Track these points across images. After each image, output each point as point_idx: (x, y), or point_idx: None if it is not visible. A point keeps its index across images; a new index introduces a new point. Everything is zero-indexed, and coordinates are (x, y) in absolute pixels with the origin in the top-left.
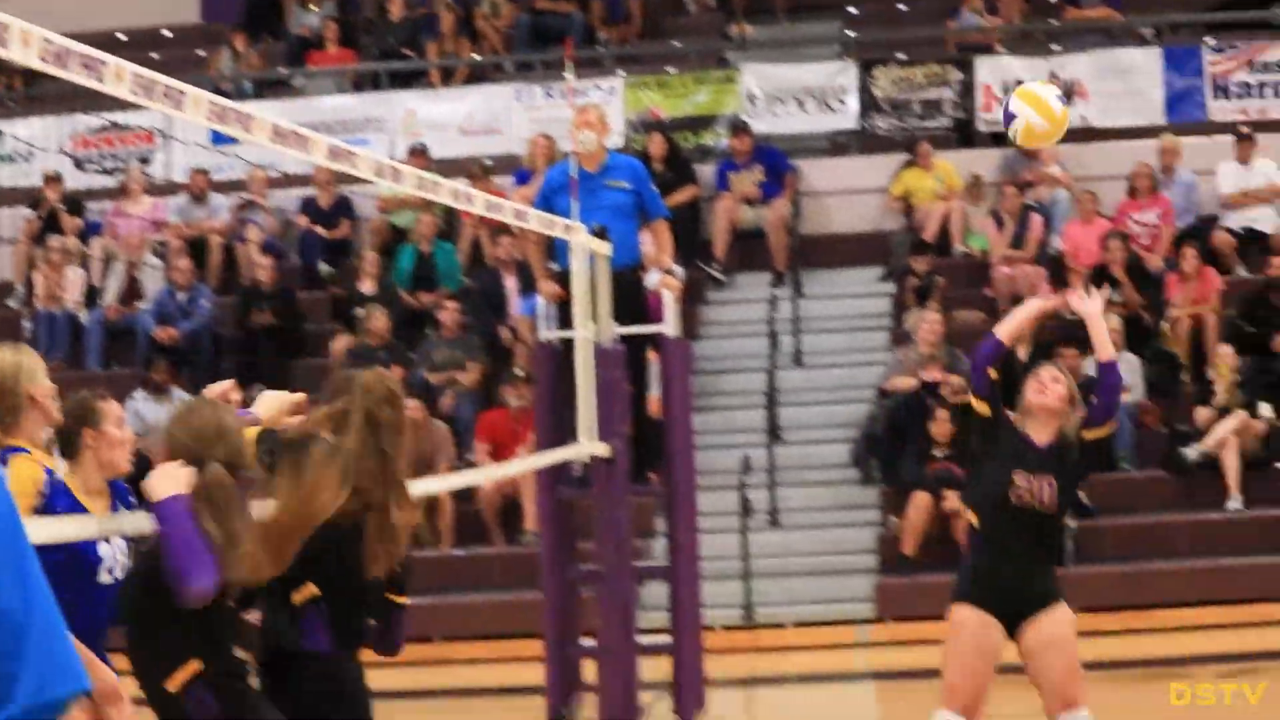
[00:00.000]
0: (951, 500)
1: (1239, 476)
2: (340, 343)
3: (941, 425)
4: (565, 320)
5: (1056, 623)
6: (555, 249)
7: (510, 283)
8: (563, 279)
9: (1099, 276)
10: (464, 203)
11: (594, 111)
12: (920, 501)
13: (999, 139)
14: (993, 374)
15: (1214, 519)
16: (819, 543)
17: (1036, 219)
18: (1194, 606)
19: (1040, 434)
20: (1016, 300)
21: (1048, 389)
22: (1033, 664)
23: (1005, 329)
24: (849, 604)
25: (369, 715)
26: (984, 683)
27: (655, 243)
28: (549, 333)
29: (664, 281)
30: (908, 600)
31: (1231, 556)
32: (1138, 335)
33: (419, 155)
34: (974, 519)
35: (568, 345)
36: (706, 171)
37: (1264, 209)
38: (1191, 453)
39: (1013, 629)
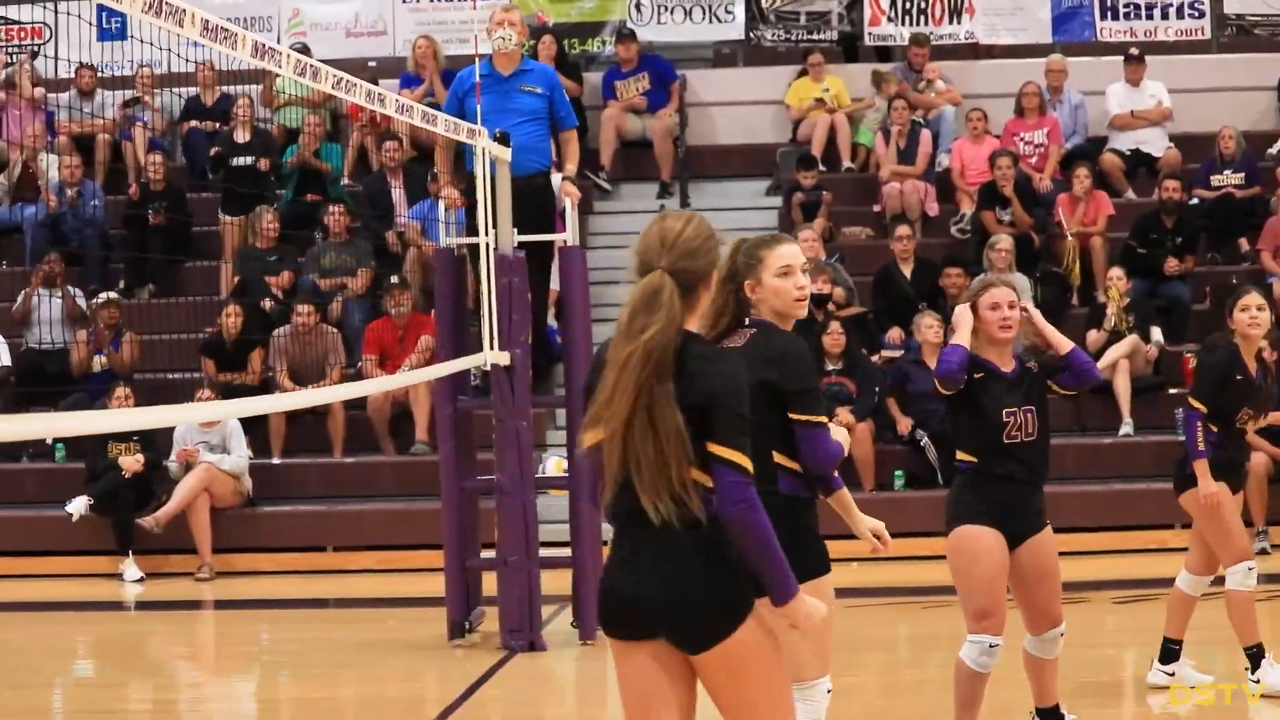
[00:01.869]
0: (843, 416)
1: (1130, 401)
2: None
3: (833, 338)
4: (470, 227)
5: (1048, 550)
6: (463, 152)
7: (397, 187)
8: (470, 183)
9: (988, 194)
10: (375, 103)
11: (515, 11)
12: None
13: (884, 54)
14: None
15: (1105, 443)
16: None
17: (925, 135)
18: (1087, 532)
19: (1005, 362)
20: (899, 217)
21: (1010, 320)
22: (1025, 584)
23: (964, 339)
24: None
25: None
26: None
27: (563, 152)
28: (450, 239)
29: (565, 188)
30: None
31: (1123, 482)
32: (1027, 256)
33: (303, 55)
34: (969, 457)
35: (466, 253)
36: (593, 79)
37: (1152, 131)
38: None
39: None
